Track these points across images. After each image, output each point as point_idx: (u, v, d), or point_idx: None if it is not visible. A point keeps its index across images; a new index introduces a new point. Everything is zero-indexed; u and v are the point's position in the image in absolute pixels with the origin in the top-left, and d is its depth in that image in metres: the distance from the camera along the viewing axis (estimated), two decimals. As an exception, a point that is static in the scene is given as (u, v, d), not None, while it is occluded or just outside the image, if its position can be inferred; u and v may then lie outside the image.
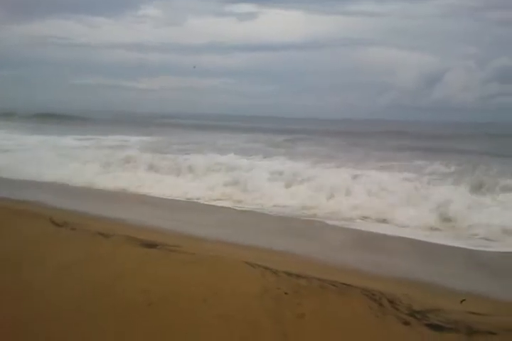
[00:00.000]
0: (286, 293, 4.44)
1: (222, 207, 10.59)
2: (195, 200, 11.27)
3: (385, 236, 8.20)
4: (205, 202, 11.06)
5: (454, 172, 13.43)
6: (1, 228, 6.63)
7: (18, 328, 3.73)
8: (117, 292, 4.36)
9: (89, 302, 4.14)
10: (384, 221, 8.89)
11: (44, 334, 3.65)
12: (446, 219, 8.77)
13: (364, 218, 9.12)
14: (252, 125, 52.00)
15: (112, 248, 5.72)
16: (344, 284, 4.67)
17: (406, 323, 3.98)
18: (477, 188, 10.43)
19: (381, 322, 4.00)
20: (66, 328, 3.71)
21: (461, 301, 4.68)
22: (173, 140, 25.56)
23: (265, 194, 10.76)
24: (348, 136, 31.85)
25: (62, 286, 4.50)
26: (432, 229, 8.52)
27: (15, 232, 6.40)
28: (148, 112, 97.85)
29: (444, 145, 26.06)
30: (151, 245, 5.74)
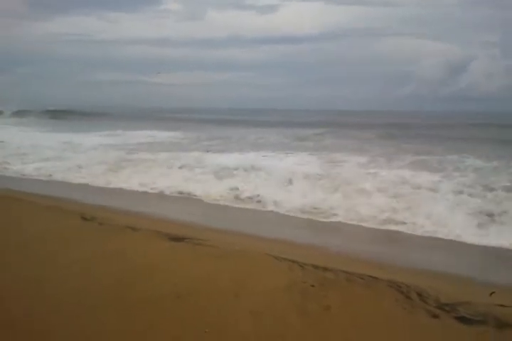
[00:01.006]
0: (312, 286, 4.47)
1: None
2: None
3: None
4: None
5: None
6: (33, 222, 6.85)
7: (48, 314, 3.86)
8: (146, 284, 4.45)
9: (119, 295, 4.24)
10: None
11: (76, 322, 3.76)
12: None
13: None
14: (276, 118, 51.93)
15: (140, 241, 5.84)
16: (371, 277, 4.67)
17: (435, 316, 3.96)
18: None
19: (409, 315, 3.99)
20: (95, 319, 3.81)
21: (491, 293, 4.61)
22: (202, 136, 25.49)
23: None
24: (376, 128, 31.47)
25: (89, 279, 4.62)
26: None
27: (45, 227, 6.59)
28: (170, 107, 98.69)
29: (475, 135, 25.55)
30: (179, 239, 5.83)
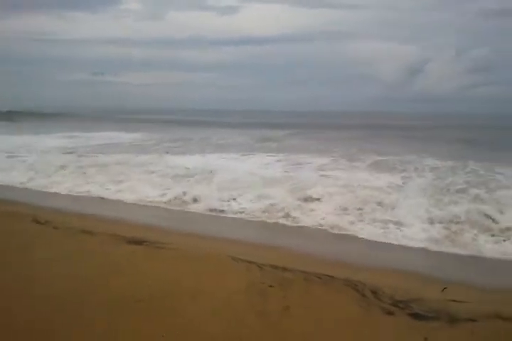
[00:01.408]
0: (271, 286, 4.49)
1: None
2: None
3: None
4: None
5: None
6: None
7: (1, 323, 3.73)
8: (104, 290, 4.36)
9: (75, 300, 4.13)
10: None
11: (28, 327, 3.64)
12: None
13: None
14: (241, 120, 51.97)
15: (98, 245, 5.72)
16: (328, 276, 4.73)
17: (389, 313, 4.05)
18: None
19: (365, 312, 4.07)
20: (50, 324, 3.71)
21: (443, 289, 4.76)
22: (165, 137, 25.18)
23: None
24: (339, 129, 31.92)
25: (45, 284, 4.49)
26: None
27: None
28: (132, 107, 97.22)
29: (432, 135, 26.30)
30: (138, 242, 5.74)
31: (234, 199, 9.53)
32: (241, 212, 8.89)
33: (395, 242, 7.07)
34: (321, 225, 7.95)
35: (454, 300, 4.39)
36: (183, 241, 6.09)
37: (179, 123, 40.92)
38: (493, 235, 7.20)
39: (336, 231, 7.72)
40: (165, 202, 9.78)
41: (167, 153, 17.24)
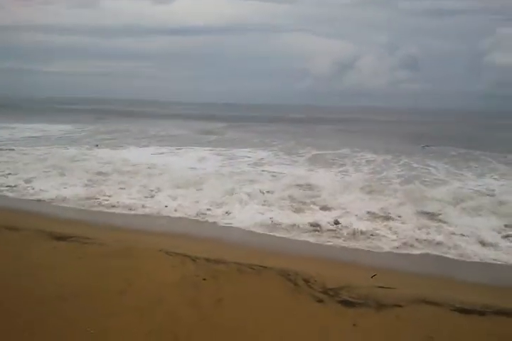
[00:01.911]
0: (204, 279, 4.44)
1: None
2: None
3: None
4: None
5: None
6: None
7: None
8: (28, 286, 4.13)
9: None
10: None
11: None
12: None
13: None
14: (179, 111, 51.17)
15: (21, 241, 5.42)
16: (261, 266, 4.75)
17: (320, 301, 4.12)
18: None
19: (297, 300, 4.12)
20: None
21: (372, 276, 4.92)
22: (100, 128, 24.21)
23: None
24: (277, 122, 32.26)
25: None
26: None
27: None
28: (65, 98, 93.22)
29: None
30: (64, 238, 5.49)
31: (152, 197, 8.96)
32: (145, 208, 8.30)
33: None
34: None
35: (381, 287, 4.54)
36: (112, 236, 5.89)
37: (115, 114, 39.64)
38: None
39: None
40: (77, 200, 8.82)
41: (96, 146, 16.52)
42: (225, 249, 5.83)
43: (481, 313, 3.99)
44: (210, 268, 4.74)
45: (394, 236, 6.90)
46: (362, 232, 7.02)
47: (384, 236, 6.92)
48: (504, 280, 5.43)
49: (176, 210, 8.23)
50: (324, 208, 8.29)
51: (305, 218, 7.68)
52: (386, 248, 6.45)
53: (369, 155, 15.35)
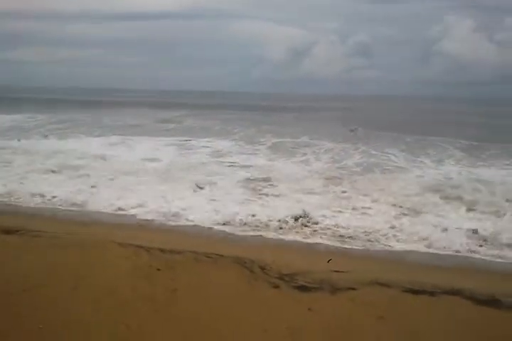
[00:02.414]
0: (158, 270, 4.38)
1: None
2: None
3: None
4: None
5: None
6: None
7: None
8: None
9: None
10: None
11: None
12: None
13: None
14: (135, 99, 49.98)
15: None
16: (217, 255, 4.73)
17: (276, 287, 4.15)
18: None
19: (253, 287, 4.13)
20: None
21: (328, 261, 4.99)
22: (53, 118, 23.28)
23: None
24: (235, 109, 32.06)
25: None
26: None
27: None
28: (15, 86, 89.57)
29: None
30: (11, 231, 5.28)
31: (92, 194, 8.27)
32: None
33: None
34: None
35: (336, 271, 4.61)
36: (63, 229, 5.71)
37: (68, 103, 38.29)
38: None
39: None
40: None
41: (46, 136, 15.87)
42: (180, 240, 5.77)
43: (431, 293, 4.12)
44: (164, 258, 4.68)
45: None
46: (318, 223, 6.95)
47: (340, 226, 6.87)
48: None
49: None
50: (281, 199, 8.21)
51: (264, 210, 7.43)
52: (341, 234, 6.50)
53: (328, 144, 15.38)
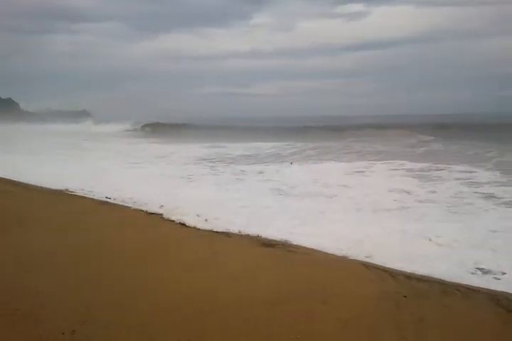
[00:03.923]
0: (405, 297, 4.34)
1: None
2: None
3: None
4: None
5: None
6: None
7: None
8: (235, 291, 4.43)
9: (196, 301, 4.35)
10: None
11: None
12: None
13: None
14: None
15: (233, 247, 6.00)
16: (468, 288, 4.42)
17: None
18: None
19: (510, 329, 3.73)
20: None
21: None
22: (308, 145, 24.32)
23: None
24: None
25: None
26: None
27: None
28: (268, 117, 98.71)
29: None
30: (271, 245, 5.97)
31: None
32: None
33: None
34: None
35: None
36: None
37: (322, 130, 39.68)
38: None
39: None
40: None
41: (291, 163, 16.81)
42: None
43: None
44: (410, 285, 4.61)
45: None
46: None
47: None
48: None
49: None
50: None
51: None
52: None
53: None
